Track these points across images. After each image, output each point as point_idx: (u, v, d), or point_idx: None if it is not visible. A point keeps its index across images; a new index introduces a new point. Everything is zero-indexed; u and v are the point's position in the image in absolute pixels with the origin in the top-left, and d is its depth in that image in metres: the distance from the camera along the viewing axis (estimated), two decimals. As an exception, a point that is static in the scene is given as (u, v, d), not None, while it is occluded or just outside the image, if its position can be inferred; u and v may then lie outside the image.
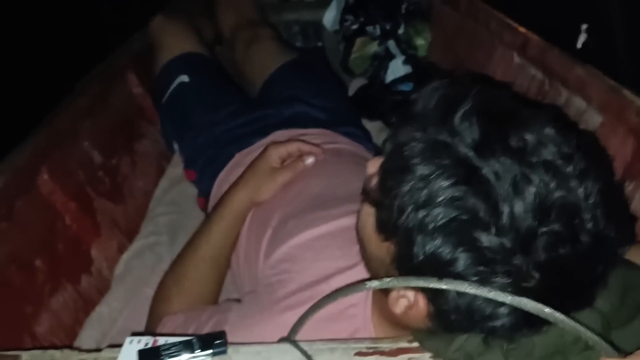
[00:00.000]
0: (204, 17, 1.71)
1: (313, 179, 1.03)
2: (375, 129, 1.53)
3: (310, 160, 1.05)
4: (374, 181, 0.61)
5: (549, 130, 0.54)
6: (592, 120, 1.12)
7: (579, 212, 0.51)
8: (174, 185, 1.45)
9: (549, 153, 0.52)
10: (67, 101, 1.28)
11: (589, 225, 0.52)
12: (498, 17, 1.45)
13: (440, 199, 0.51)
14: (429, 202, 0.52)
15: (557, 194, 0.51)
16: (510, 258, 0.50)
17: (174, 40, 1.45)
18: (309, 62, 1.55)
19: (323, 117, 1.34)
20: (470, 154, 0.52)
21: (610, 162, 0.84)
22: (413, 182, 0.53)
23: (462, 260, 0.51)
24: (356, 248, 0.69)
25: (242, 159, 1.21)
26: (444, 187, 0.51)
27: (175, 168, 1.48)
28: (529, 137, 0.52)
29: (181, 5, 1.72)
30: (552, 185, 0.51)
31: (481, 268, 0.51)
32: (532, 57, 1.32)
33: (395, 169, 0.56)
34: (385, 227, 0.58)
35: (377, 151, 1.35)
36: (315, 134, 1.25)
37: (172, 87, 1.39)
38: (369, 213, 0.62)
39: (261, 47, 1.56)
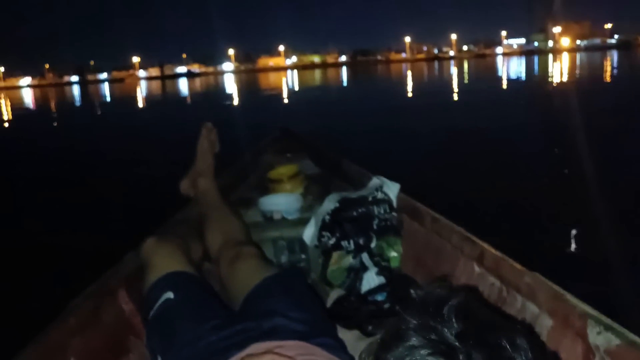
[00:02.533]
0: (194, 237, 1.87)
1: None
2: (352, 338, 1.60)
3: None
4: None
5: (521, 340, 0.65)
6: (545, 324, 1.21)
7: None
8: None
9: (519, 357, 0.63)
10: (58, 319, 1.37)
11: None
12: (458, 231, 1.62)
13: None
14: None
15: None
16: None
17: (162, 261, 1.59)
18: (288, 277, 1.66)
19: (300, 329, 1.42)
20: (452, 338, 0.63)
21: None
22: (402, 349, 0.64)
23: None
24: None
25: None
26: (425, 355, 0.62)
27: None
28: (503, 340, 0.64)
29: (172, 228, 1.89)
30: None
31: None
32: (489, 267, 1.45)
33: (391, 341, 0.67)
34: None
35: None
36: (291, 346, 1.32)
37: (158, 304, 1.48)
38: None
39: (243, 265, 1.69)
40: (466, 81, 23.06)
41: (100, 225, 4.16)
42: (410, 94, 18.84)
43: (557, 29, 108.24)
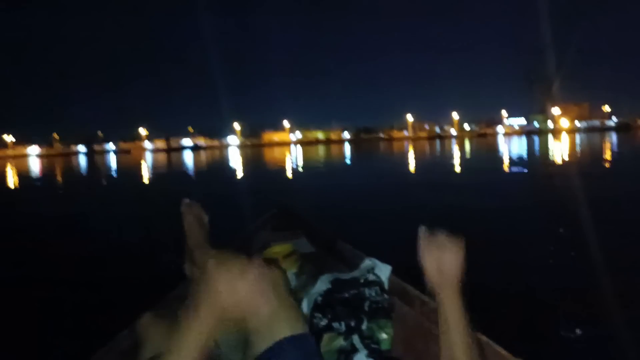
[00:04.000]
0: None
1: None
2: None
3: None
4: None
5: None
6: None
7: None
8: None
9: None
10: None
11: None
12: (421, 297, 1.65)
13: None
14: None
15: None
16: None
17: (157, 339, 1.61)
18: (305, 341, 1.58)
19: None
20: None
21: None
22: None
23: None
24: None
25: None
26: None
27: None
28: None
29: (169, 304, 1.92)
30: None
31: None
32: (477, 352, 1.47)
33: None
34: None
35: None
36: None
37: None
38: None
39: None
40: (468, 159, 23.36)
41: (94, 300, 4.15)
42: (411, 171, 19.08)
43: (556, 110, 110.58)
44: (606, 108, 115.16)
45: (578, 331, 3.31)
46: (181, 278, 2.12)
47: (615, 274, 4.27)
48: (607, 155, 21.98)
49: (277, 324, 1.52)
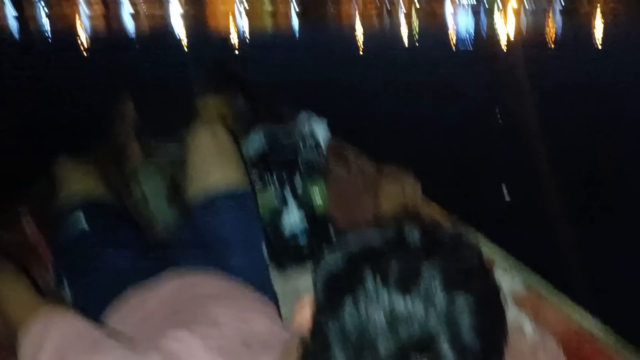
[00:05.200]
0: (112, 163, 1.78)
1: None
2: (270, 274, 1.58)
3: None
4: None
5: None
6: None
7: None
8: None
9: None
10: None
11: None
12: (355, 152, 1.61)
13: None
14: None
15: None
16: None
17: (74, 183, 1.50)
18: (243, 199, 1.55)
19: (234, 264, 1.38)
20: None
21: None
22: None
23: None
24: None
25: (135, 296, 1.23)
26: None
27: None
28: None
29: (89, 152, 1.79)
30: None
31: None
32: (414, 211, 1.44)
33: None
34: None
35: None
36: (209, 275, 1.29)
37: (69, 228, 1.41)
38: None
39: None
40: (416, 36, 23.05)
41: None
42: (360, 46, 18.72)
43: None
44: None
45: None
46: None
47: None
48: (551, 36, 22.10)
49: (217, 176, 1.45)
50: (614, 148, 5.17)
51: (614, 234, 3.20)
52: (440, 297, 0.62)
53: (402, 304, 0.61)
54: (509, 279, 1.06)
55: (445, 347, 0.61)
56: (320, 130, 1.91)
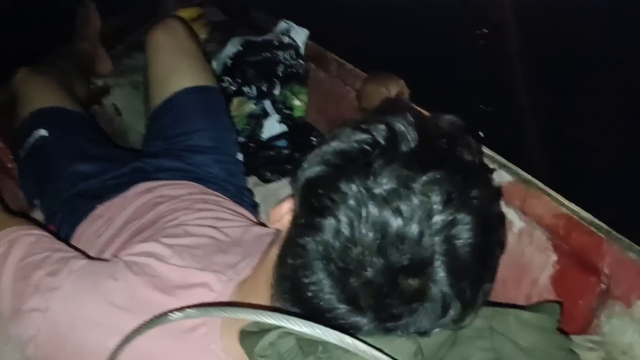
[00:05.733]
0: (78, 74, 1.69)
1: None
2: (250, 184, 1.54)
3: None
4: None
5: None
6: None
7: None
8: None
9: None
10: None
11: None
12: (363, 77, 1.54)
13: None
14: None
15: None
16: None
17: (36, 94, 1.41)
18: (212, 95, 1.43)
19: (202, 172, 1.32)
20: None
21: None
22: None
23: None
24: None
25: (104, 211, 1.18)
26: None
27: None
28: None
29: (52, 62, 1.70)
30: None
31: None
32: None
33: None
34: None
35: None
36: (183, 186, 1.24)
37: (31, 141, 1.33)
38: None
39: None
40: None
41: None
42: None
43: None
44: None
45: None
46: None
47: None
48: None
49: (178, 75, 1.37)
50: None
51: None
52: (438, 215, 0.52)
53: (392, 221, 0.52)
54: (499, 174, 1.04)
55: (439, 271, 0.53)
56: (301, 40, 1.82)
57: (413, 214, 0.51)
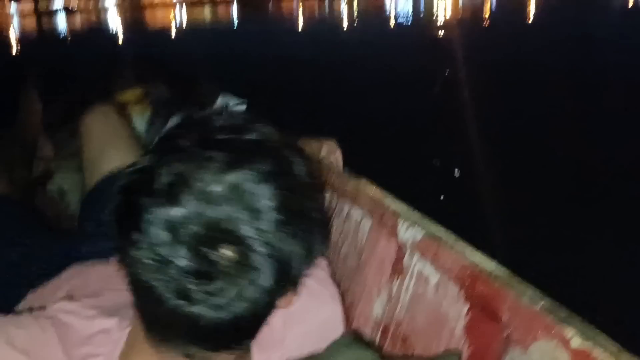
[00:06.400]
0: (20, 159, 1.72)
1: None
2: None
3: None
4: None
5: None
6: (366, 225, 1.23)
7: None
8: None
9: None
10: None
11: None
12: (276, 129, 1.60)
13: None
14: None
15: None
16: None
17: None
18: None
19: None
20: None
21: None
22: None
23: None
24: None
25: (36, 298, 1.18)
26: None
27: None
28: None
29: None
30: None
31: None
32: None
33: None
34: None
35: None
36: (112, 264, 1.25)
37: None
38: None
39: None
40: (355, 20, 23.17)
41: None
42: (297, 32, 18.71)
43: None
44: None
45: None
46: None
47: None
48: (487, 11, 22.59)
49: (107, 159, 1.41)
50: (540, 112, 5.32)
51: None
52: (214, 183, 0.59)
53: (173, 210, 0.59)
54: (413, 231, 1.08)
55: (245, 228, 0.59)
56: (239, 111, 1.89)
57: (189, 197, 0.59)
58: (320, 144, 1.40)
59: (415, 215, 1.12)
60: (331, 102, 5.78)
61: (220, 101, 1.95)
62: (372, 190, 1.22)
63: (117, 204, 0.65)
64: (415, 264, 1.06)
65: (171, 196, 0.59)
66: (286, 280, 0.63)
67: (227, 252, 0.58)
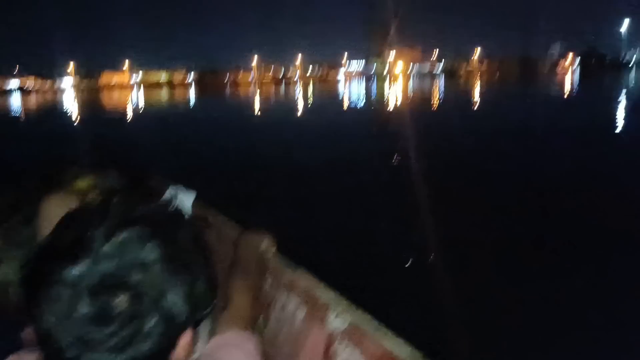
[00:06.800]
0: None
1: None
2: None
3: None
4: None
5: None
6: (301, 314, 1.31)
7: None
8: None
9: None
10: None
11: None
12: (223, 219, 1.70)
13: None
14: None
15: None
16: None
17: None
18: None
19: None
20: None
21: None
22: None
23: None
24: None
25: None
26: None
27: None
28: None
29: None
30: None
31: None
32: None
33: None
34: None
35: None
36: None
37: None
38: None
39: None
40: (310, 105, 23.78)
41: None
42: (254, 117, 19.05)
43: (392, 54, 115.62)
44: (435, 53, 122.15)
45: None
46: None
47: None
48: (435, 98, 23.65)
49: None
50: (485, 190, 5.58)
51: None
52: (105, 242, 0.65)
53: (74, 269, 0.64)
54: (341, 320, 1.18)
55: (135, 277, 0.65)
56: (187, 202, 1.97)
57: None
58: (261, 238, 1.49)
59: (344, 303, 1.21)
60: (282, 186, 5.90)
61: (169, 192, 2.04)
62: (306, 281, 1.31)
63: (25, 273, 0.71)
64: (344, 350, 1.15)
65: (71, 257, 0.65)
66: (178, 318, 0.68)
67: (121, 298, 0.64)
